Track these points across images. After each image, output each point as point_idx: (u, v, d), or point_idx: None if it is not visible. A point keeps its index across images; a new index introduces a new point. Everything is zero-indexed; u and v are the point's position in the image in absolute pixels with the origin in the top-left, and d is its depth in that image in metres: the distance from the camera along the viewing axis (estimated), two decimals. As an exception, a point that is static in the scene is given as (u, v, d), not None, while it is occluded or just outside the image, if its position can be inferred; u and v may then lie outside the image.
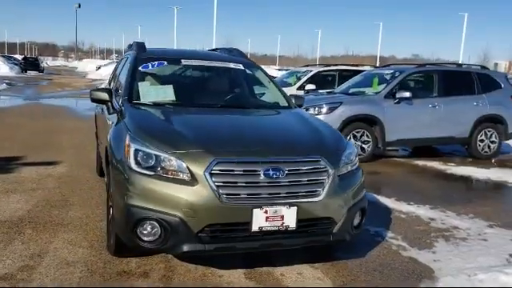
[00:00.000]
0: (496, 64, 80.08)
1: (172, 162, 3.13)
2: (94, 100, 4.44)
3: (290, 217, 3.15)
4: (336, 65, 13.80)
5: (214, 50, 6.27)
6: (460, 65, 10.31)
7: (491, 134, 9.12)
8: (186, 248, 3.08)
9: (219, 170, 3.07)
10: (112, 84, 5.79)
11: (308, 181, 3.24)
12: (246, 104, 4.68)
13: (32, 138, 9.17)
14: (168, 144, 3.22)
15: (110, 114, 4.36)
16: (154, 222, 3.08)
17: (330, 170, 3.31)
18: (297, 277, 3.50)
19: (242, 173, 3.11)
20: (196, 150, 3.16)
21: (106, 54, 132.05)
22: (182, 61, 4.87)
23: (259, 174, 3.12)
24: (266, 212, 3.09)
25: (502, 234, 4.68)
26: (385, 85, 8.73)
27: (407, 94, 8.32)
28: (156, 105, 4.14)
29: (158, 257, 3.67)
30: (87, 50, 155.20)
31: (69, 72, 59.74)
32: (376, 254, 4.03)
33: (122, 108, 4.03)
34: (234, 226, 3.12)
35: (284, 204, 3.14)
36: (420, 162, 8.58)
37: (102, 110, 5.08)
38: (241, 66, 5.02)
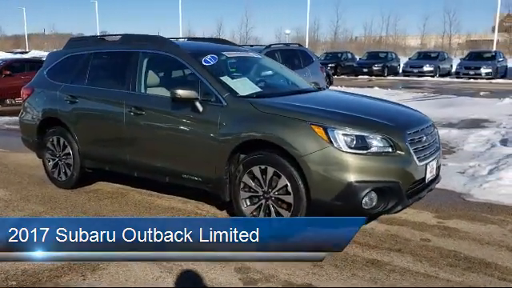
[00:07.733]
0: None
1: (377, 139, 3.78)
2: (178, 99, 4.22)
3: (434, 168, 4.30)
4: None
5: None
6: (288, 44, 12.36)
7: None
8: (400, 206, 3.86)
9: (409, 140, 3.95)
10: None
11: (436, 140, 4.45)
12: (301, 88, 5.10)
13: None
14: (361, 125, 3.83)
15: (206, 113, 4.23)
16: (374, 191, 3.74)
17: (436, 130, 4.60)
18: (419, 215, 4.59)
19: (417, 139, 4.07)
20: (391, 128, 3.91)
21: None
22: (224, 53, 4.95)
23: (422, 140, 4.15)
24: (430, 166, 4.17)
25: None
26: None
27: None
28: (258, 96, 4.37)
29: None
30: None
31: None
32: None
33: (236, 104, 4.17)
34: (419, 181, 4.04)
35: (434, 159, 4.27)
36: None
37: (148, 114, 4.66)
38: (258, 55, 5.50)
